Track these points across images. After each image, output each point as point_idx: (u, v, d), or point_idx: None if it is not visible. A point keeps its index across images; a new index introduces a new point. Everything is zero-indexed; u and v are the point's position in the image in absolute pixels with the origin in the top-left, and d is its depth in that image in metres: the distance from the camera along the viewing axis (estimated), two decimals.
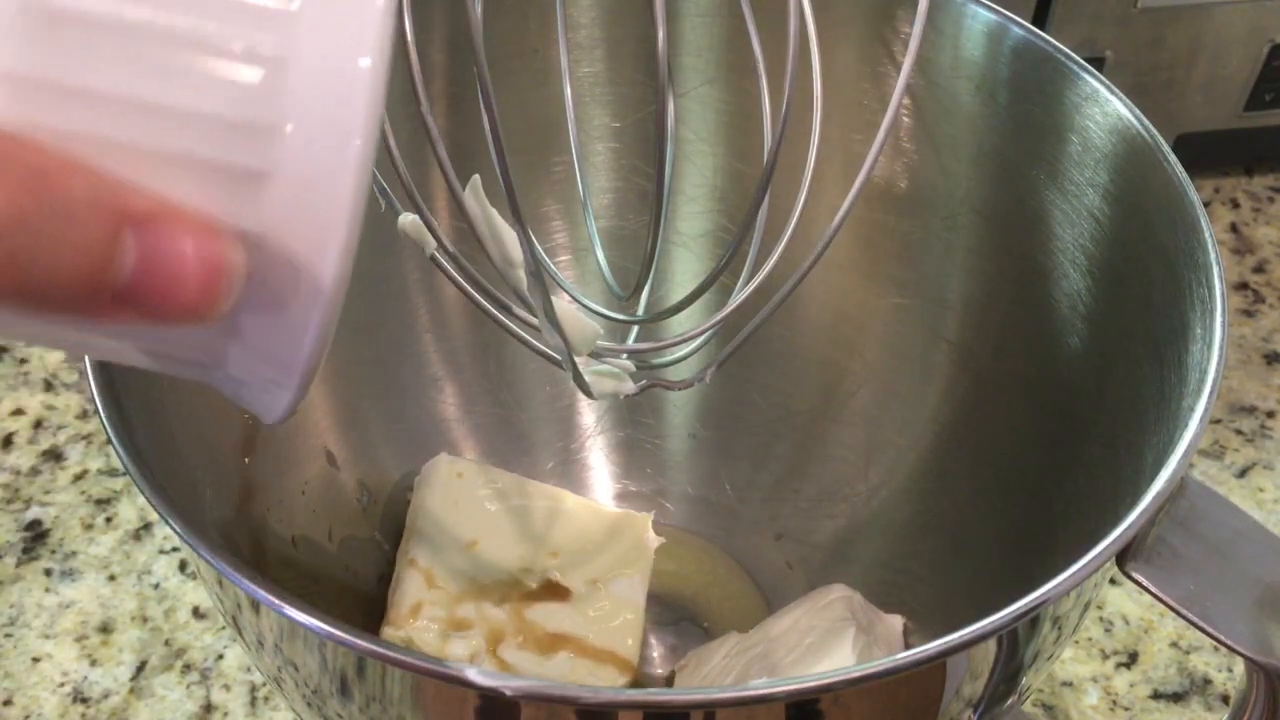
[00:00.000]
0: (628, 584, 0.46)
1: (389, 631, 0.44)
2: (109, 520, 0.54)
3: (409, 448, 0.49)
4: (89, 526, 0.53)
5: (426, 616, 0.44)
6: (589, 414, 0.52)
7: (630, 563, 0.47)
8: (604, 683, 0.44)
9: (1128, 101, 0.38)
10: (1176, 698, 0.48)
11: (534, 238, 0.31)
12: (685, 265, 0.51)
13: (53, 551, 0.52)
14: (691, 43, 0.47)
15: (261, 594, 0.28)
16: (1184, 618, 0.31)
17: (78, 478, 0.55)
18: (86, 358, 0.33)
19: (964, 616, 0.28)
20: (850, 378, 0.49)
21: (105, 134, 0.21)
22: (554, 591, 0.46)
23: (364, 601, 0.46)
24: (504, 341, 0.50)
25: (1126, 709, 0.48)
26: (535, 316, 0.34)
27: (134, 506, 0.54)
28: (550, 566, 0.46)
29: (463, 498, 0.47)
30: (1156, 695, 0.48)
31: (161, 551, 0.53)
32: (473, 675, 0.26)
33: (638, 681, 0.46)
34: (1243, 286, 0.62)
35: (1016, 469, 0.44)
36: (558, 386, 0.52)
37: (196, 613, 0.51)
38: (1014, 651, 0.31)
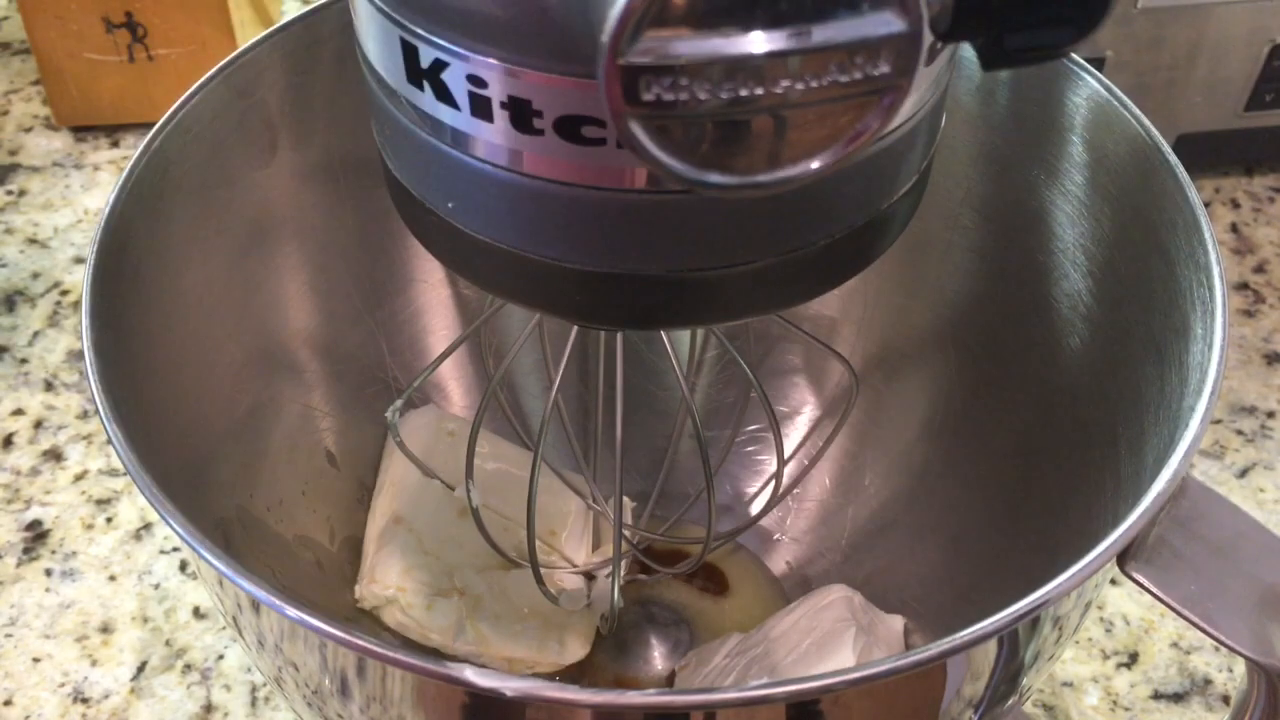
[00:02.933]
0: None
1: (376, 590, 0.44)
2: (109, 520, 0.54)
3: None
4: (89, 526, 0.53)
5: (415, 580, 0.43)
6: (589, 415, 0.52)
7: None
8: (567, 655, 0.45)
9: (1128, 102, 0.38)
10: (1177, 698, 0.48)
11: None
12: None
13: (53, 551, 0.52)
14: None
15: (261, 594, 0.28)
16: (1185, 618, 0.31)
17: (78, 478, 0.55)
18: (86, 358, 0.33)
19: (964, 617, 0.28)
20: (849, 377, 0.49)
21: None
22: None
23: None
24: (504, 342, 0.50)
25: (1127, 709, 0.48)
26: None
27: (134, 506, 0.54)
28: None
29: (451, 456, 0.46)
30: (1157, 695, 0.48)
31: (161, 551, 0.53)
32: (472, 676, 0.26)
33: (626, 679, 0.46)
34: (1243, 287, 0.62)
35: (1017, 469, 0.44)
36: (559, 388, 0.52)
37: (196, 613, 0.51)
38: (1015, 652, 0.31)
